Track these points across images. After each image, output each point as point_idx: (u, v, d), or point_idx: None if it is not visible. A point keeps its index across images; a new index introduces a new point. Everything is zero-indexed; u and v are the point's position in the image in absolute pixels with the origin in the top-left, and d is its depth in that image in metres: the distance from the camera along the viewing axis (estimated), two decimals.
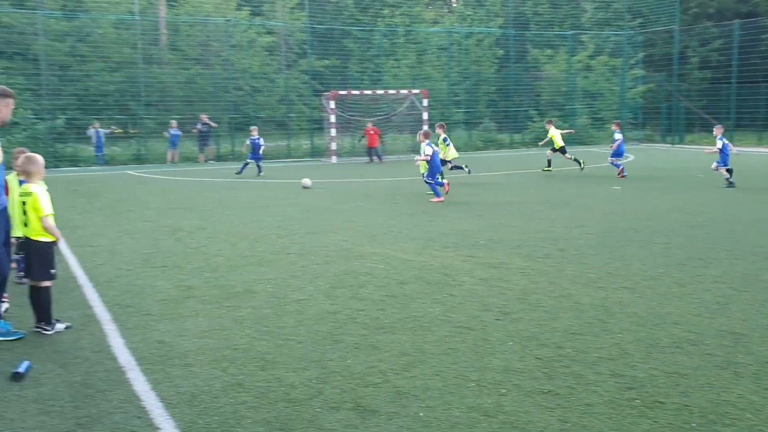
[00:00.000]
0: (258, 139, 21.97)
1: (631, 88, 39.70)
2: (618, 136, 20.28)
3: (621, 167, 19.88)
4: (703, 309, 6.73)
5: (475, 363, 5.38)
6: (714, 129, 17.64)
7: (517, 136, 36.74)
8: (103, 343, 5.99)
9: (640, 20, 42.27)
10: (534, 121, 36.99)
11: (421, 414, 4.50)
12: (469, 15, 45.20)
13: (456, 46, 37.76)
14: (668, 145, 35.89)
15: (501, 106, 38.46)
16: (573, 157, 21.15)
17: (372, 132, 27.67)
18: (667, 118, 37.71)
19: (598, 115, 39.53)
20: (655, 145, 36.35)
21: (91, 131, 27.33)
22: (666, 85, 38.55)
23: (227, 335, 6.14)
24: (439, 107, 35.45)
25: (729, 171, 17.08)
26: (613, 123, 21.94)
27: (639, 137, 38.78)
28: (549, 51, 41.38)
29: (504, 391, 4.86)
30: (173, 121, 28.57)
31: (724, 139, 17.17)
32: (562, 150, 21.09)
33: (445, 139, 18.29)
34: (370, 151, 27.81)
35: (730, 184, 16.81)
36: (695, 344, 5.72)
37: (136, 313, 6.87)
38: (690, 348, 5.63)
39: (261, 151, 22.27)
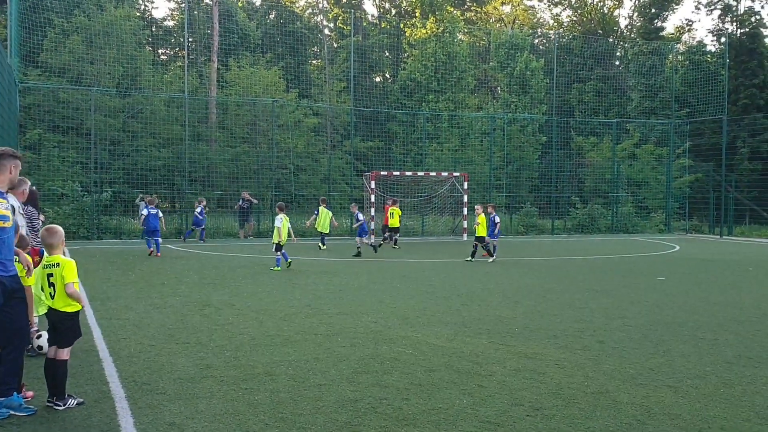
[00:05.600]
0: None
1: (677, 177, 39.18)
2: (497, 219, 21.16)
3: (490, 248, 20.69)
4: (753, 414, 6.21)
5: None
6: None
7: (558, 222, 36.35)
8: (113, 423, 5.73)
9: (687, 110, 42.17)
10: (576, 208, 36.59)
11: None
12: (513, 102, 45.83)
13: (499, 132, 38.02)
14: (716, 237, 34.94)
15: (543, 191, 38.28)
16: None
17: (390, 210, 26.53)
18: (715, 208, 36.90)
19: (644, 203, 38.96)
20: (702, 236, 35.44)
21: (142, 206, 27.08)
22: (714, 175, 37.89)
23: (240, 420, 5.83)
24: (480, 190, 35.40)
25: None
26: (489, 205, 21.68)
27: (685, 227, 37.94)
28: (593, 138, 41.40)
29: None
30: (202, 199, 27.73)
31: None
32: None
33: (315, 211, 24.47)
34: (384, 229, 26.86)
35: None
36: None
37: (150, 391, 6.62)
38: None
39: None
